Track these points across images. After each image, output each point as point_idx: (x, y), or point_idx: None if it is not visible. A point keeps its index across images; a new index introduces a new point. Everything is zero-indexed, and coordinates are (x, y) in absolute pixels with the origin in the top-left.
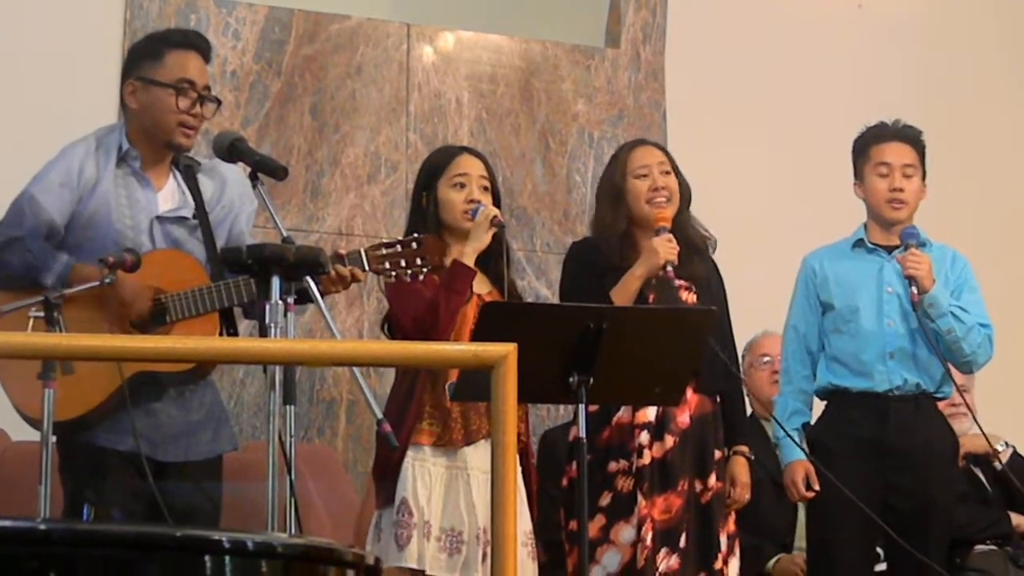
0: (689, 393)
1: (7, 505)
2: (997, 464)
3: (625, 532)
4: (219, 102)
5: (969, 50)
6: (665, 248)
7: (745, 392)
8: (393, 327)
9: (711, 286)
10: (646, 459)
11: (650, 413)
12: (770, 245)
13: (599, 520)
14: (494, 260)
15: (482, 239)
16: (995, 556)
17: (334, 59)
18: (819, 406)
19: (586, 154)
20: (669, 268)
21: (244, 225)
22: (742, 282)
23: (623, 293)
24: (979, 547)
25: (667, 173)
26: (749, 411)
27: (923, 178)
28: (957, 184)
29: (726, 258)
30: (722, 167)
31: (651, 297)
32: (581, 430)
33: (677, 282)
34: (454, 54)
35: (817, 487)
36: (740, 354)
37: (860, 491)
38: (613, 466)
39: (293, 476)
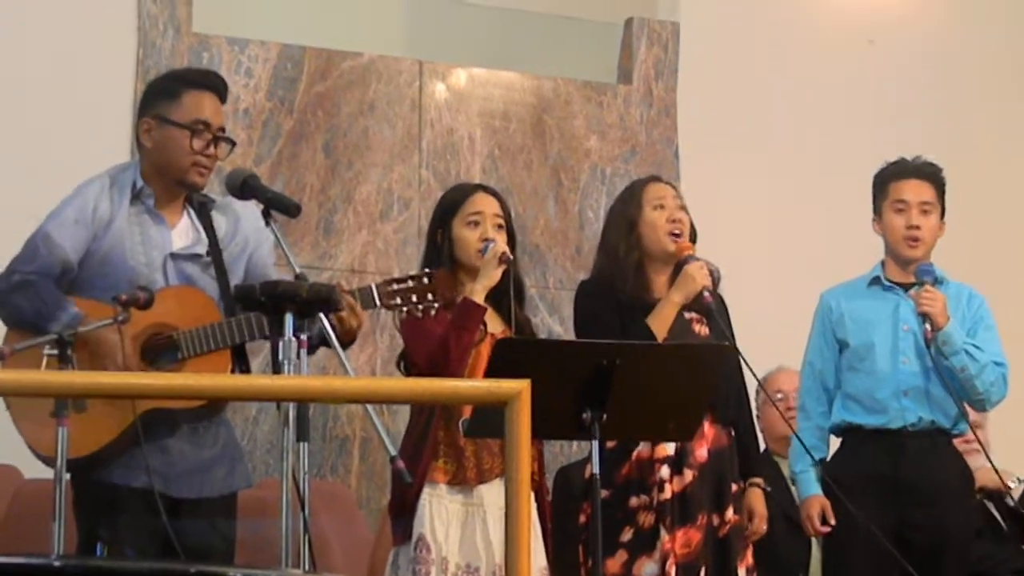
0: (706, 426)
1: (21, 542)
2: (1010, 500)
3: (648, 567)
4: (234, 143)
5: (981, 86)
6: (701, 275)
7: (759, 428)
8: (408, 365)
9: (722, 319)
10: (667, 493)
11: (669, 447)
12: (782, 281)
13: (621, 556)
14: (507, 298)
15: (491, 276)
16: None
17: (346, 96)
18: (835, 444)
19: (598, 190)
20: (707, 294)
21: (267, 258)
22: (754, 317)
23: (661, 320)
24: None
25: (681, 208)
26: (763, 447)
27: (941, 216)
28: (970, 220)
29: (739, 293)
30: (734, 203)
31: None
32: (595, 466)
33: (688, 315)
34: (466, 91)
35: (833, 522)
36: (753, 390)
37: (874, 527)
38: (634, 501)
39: (307, 513)
